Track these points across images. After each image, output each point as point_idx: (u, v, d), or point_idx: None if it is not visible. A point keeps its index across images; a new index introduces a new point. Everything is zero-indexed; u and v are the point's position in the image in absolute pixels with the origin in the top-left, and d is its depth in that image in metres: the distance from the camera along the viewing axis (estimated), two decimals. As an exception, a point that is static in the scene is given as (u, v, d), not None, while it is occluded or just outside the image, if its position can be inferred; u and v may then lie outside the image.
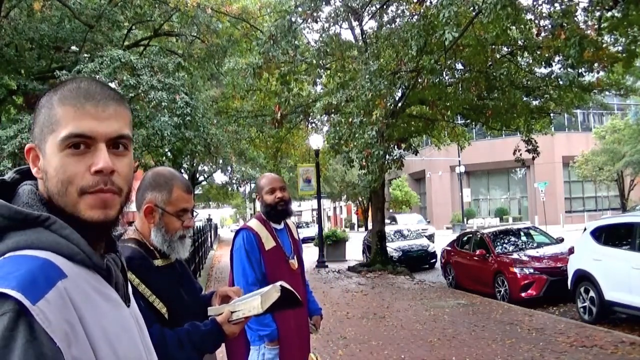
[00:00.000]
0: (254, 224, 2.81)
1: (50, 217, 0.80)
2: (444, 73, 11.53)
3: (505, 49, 12.07)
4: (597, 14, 8.13)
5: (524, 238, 10.69)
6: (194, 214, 1.83)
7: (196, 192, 33.26)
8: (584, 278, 7.51)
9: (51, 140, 0.83)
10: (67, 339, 0.72)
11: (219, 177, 34.43)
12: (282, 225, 2.88)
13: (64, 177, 0.82)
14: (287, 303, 1.63)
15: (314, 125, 16.67)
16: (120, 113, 0.87)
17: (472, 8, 8.13)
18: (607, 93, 15.22)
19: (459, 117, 16.13)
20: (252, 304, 1.52)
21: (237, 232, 2.82)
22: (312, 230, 28.77)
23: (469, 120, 15.40)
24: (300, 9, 10.95)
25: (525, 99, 12.88)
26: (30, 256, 0.75)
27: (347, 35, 28.60)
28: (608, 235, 7.47)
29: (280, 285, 1.57)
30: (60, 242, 0.78)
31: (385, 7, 12.84)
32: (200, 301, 1.76)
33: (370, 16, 13.59)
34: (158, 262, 1.70)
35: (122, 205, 0.87)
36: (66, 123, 0.83)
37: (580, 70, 9.85)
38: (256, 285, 2.63)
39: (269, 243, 2.75)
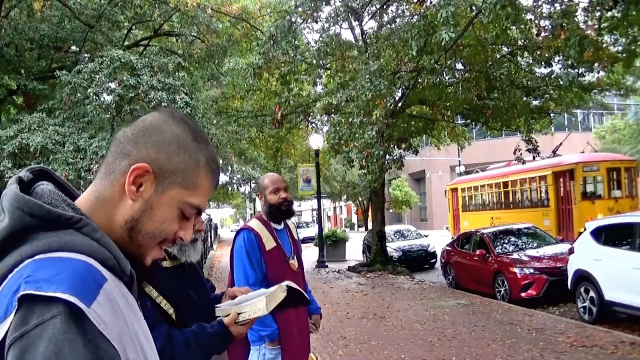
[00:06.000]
0: (255, 224, 2.80)
1: (83, 219, 0.77)
2: (444, 73, 11.53)
3: (505, 49, 12.07)
4: (597, 14, 8.14)
5: (524, 238, 10.69)
6: (205, 215, 1.86)
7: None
8: (584, 278, 7.51)
9: (179, 192, 0.83)
10: (122, 341, 0.71)
11: (219, 177, 34.43)
12: (282, 226, 2.88)
13: (166, 229, 0.83)
14: (294, 302, 1.63)
15: (314, 125, 16.66)
16: None
17: (470, 8, 8.14)
18: (607, 93, 15.21)
19: (459, 117, 16.12)
20: (257, 305, 1.51)
21: (238, 232, 2.81)
22: (312, 230, 28.75)
23: (469, 120, 15.41)
24: (300, 9, 10.94)
25: (525, 99, 12.88)
26: (69, 258, 0.71)
27: (347, 35, 28.49)
28: (608, 235, 7.46)
29: (287, 285, 1.57)
30: (93, 245, 0.75)
31: (385, 7, 12.84)
32: (211, 302, 1.76)
33: (370, 16, 13.59)
34: (166, 264, 1.70)
35: None
36: (201, 193, 0.85)
37: (580, 70, 9.86)
38: (257, 285, 2.63)
39: (269, 243, 2.74)
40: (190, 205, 0.84)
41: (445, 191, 23.49)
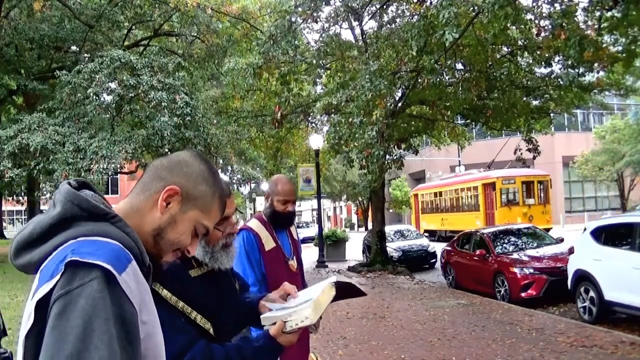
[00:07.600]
0: (254, 224, 2.79)
1: (117, 215, 0.97)
2: (444, 73, 11.53)
3: (505, 49, 12.06)
4: (597, 14, 8.14)
5: (524, 238, 10.69)
6: (236, 218, 1.73)
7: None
8: (584, 278, 7.50)
9: (197, 214, 1.07)
10: (140, 305, 0.89)
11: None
12: (281, 226, 2.88)
13: (183, 240, 1.06)
14: (347, 295, 1.60)
15: (314, 125, 16.67)
16: None
17: (471, 8, 8.13)
18: (607, 93, 15.24)
19: (459, 117, 16.13)
20: (303, 312, 1.44)
21: (237, 233, 2.80)
22: (312, 230, 28.74)
23: (469, 120, 15.41)
24: (300, 9, 10.94)
25: (525, 99, 12.88)
26: (105, 241, 0.90)
27: (347, 35, 28.54)
28: (608, 235, 7.46)
29: (335, 282, 1.52)
30: (124, 236, 0.94)
31: (385, 7, 12.84)
32: (244, 306, 1.71)
33: (370, 16, 13.59)
34: (194, 273, 1.60)
35: None
36: (212, 218, 1.10)
37: (580, 70, 9.84)
38: (256, 286, 2.62)
39: (269, 244, 2.73)
40: (203, 226, 1.08)
41: (409, 196, 30.24)
